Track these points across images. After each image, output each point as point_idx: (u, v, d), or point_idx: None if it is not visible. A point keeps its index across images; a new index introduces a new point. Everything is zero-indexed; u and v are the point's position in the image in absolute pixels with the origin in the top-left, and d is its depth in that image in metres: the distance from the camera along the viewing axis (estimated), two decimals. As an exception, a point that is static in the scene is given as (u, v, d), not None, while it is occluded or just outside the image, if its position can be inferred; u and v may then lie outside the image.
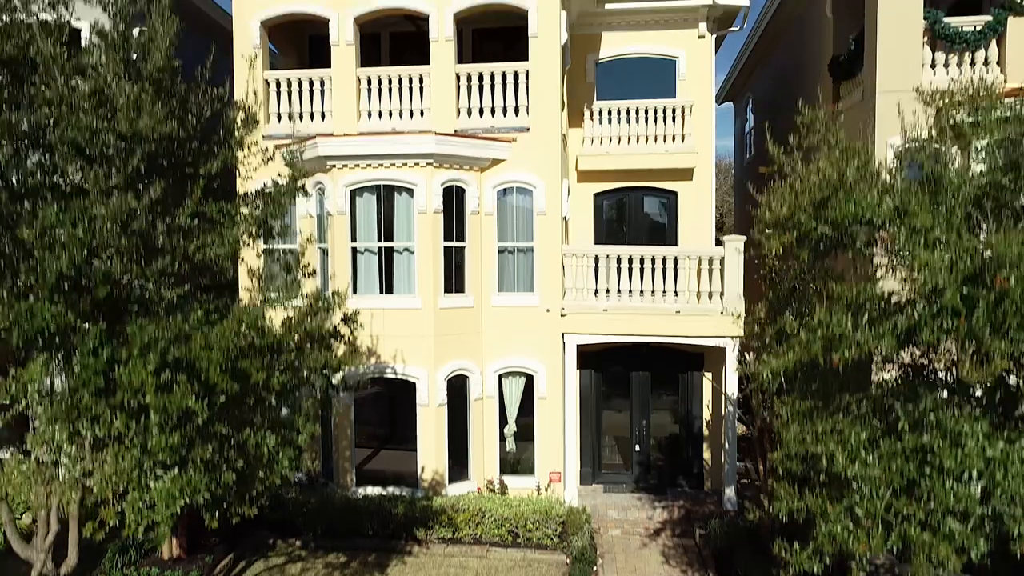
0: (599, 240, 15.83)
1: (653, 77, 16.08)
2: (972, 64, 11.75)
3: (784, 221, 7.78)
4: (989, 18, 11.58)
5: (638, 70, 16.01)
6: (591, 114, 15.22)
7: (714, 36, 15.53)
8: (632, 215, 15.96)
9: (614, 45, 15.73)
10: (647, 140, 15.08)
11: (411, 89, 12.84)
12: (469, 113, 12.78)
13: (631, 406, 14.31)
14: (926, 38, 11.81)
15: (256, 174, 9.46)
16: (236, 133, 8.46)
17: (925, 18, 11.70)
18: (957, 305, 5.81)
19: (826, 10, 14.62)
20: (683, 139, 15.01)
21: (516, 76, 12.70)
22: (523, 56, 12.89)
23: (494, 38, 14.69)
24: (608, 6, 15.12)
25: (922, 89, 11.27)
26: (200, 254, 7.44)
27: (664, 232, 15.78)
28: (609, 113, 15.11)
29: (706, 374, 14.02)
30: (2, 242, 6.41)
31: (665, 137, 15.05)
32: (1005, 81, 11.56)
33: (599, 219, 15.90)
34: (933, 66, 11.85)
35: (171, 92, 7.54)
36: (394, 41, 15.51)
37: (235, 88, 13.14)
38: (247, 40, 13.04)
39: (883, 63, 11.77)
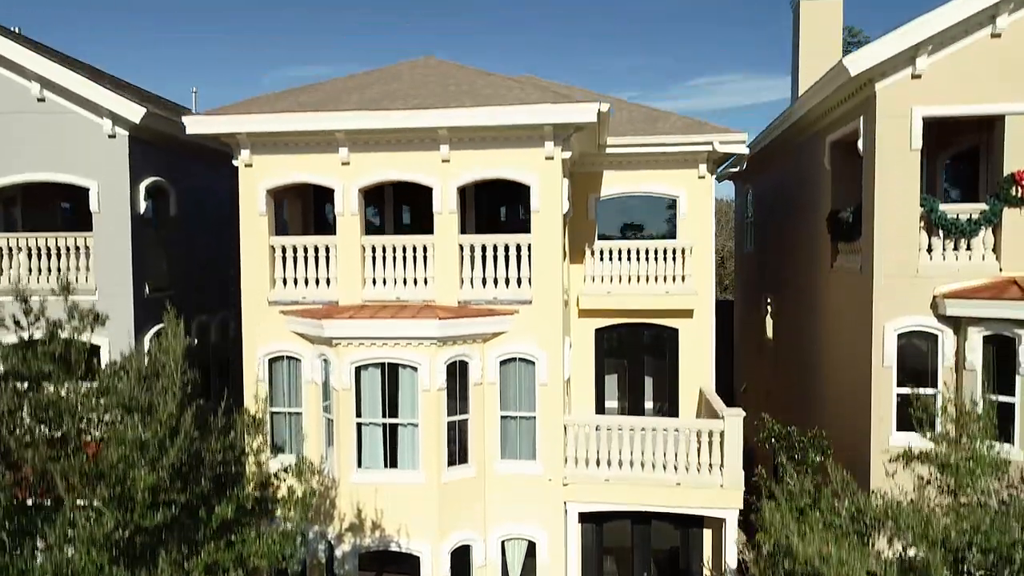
0: (599, 375, 16.04)
1: (654, 214, 16.31)
2: (969, 249, 11.93)
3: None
4: (984, 207, 11.77)
5: (639, 207, 16.22)
6: (592, 252, 15.42)
7: (714, 176, 15.73)
8: (633, 351, 16.16)
9: (615, 184, 15.91)
10: (648, 280, 15.27)
11: (415, 258, 13.03)
12: (472, 283, 12.96)
13: (632, 561, 14.37)
14: (923, 223, 12.00)
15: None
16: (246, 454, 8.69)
17: (922, 205, 11.88)
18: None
19: (824, 161, 14.81)
20: (683, 280, 15.19)
21: (519, 248, 12.88)
22: (526, 207, 13.03)
23: (497, 188, 14.86)
24: (609, 149, 15.31)
25: (920, 272, 11.52)
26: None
27: (664, 368, 15.97)
28: (610, 253, 15.32)
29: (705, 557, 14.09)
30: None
31: (666, 278, 15.23)
32: (1000, 270, 11.74)
33: (600, 354, 16.09)
34: (930, 250, 12.03)
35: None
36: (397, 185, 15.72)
37: (242, 255, 13.38)
38: (253, 207, 13.22)
39: (880, 248, 11.96)
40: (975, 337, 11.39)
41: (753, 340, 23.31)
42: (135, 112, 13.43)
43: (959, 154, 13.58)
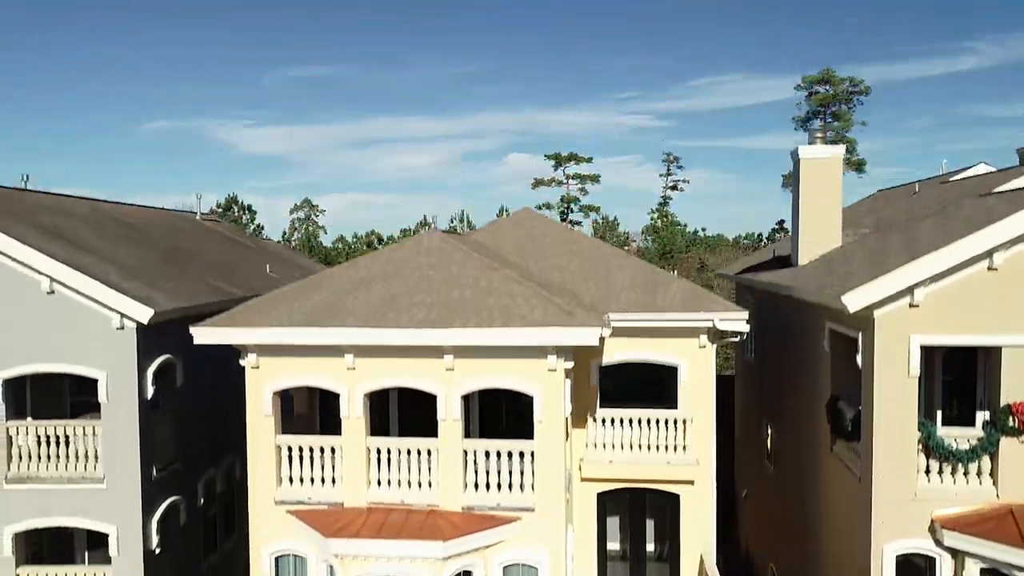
0: (601, 538, 16.21)
1: (655, 381, 16.45)
2: (966, 474, 12.08)
3: None
4: (982, 435, 11.93)
5: (641, 374, 16.37)
6: (595, 419, 15.61)
7: (715, 345, 15.89)
8: (634, 517, 16.34)
9: (616, 350, 16.04)
10: (649, 448, 15.47)
11: (420, 461, 13.21)
12: (476, 487, 13.14)
13: None
14: (921, 446, 12.16)
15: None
16: None
17: (919, 430, 12.04)
18: None
19: (823, 344, 14.97)
20: (684, 449, 15.38)
21: (522, 455, 13.06)
22: (530, 405, 13.20)
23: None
24: (613, 323, 15.47)
25: (918, 496, 11.68)
26: None
27: (666, 531, 16.14)
28: (612, 420, 15.52)
29: None
30: None
31: (667, 447, 15.43)
32: (998, 496, 11.90)
33: (602, 519, 16.26)
34: (928, 472, 12.18)
35: None
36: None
37: (249, 454, 13.58)
38: (260, 408, 13.41)
39: (879, 473, 12.11)
40: (973, 568, 11.55)
41: (754, 453, 23.47)
42: (143, 313, 13.61)
43: (957, 360, 13.69)
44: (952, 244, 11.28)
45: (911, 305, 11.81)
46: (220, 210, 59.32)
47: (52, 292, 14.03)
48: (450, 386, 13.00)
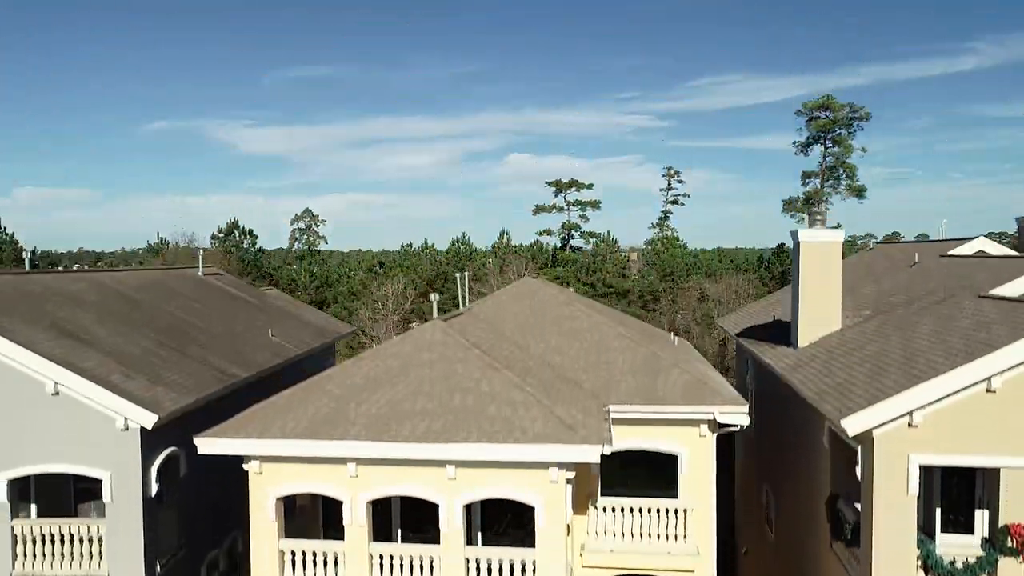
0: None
1: (657, 465, 16.53)
2: (966, 594, 12.15)
3: None
4: (981, 552, 12.01)
5: (642, 459, 16.45)
6: (595, 507, 15.71)
7: (715, 435, 15.97)
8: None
9: (618, 439, 15.99)
10: (650, 537, 15.58)
11: (422, 568, 13.29)
12: (478, 596, 13.23)
13: None
14: (919, 563, 12.25)
15: None
16: None
17: (918, 547, 12.12)
18: None
19: (823, 440, 15.05)
20: (684, 539, 15.48)
21: (523, 564, 13.14)
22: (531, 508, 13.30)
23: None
24: (613, 415, 15.56)
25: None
26: None
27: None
28: (613, 509, 15.62)
29: None
30: None
31: (668, 536, 15.54)
32: (996, 614, 11.98)
33: (603, 605, 16.33)
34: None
35: None
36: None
37: (252, 559, 13.66)
38: (263, 513, 13.49)
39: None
40: None
41: (754, 513, 23.54)
42: (147, 418, 13.70)
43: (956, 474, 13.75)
44: (951, 372, 11.36)
45: (910, 425, 11.89)
46: (222, 235, 59.47)
47: (57, 393, 14.13)
48: (452, 495, 13.08)
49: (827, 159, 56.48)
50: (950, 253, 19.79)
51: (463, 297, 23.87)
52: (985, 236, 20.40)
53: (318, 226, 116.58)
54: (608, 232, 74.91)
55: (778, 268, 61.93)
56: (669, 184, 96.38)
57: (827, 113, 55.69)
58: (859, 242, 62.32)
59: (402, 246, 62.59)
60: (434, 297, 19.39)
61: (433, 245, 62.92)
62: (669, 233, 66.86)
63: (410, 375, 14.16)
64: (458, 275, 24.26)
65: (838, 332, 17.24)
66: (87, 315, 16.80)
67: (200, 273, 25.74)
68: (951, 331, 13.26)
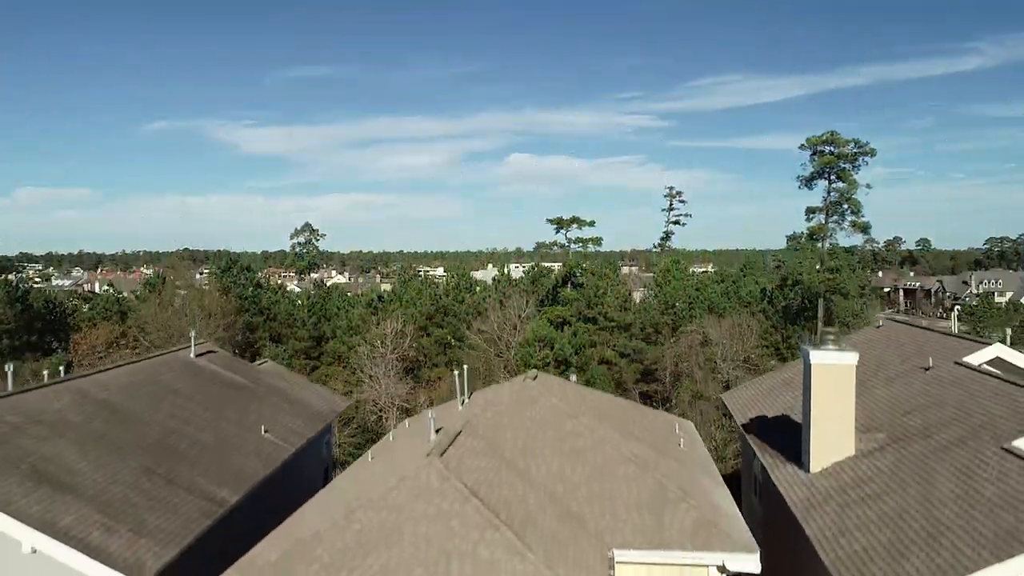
0: None
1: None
2: None
3: None
4: None
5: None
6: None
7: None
8: None
9: (622, 580, 15.51)
10: None
11: None
12: None
13: None
14: None
15: None
16: None
17: None
18: None
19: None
20: None
21: None
22: None
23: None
24: (618, 558, 14.93)
25: None
26: None
27: None
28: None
29: None
30: None
31: None
32: None
33: None
34: None
35: None
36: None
37: None
38: None
39: None
40: None
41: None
42: (130, 587, 13.05)
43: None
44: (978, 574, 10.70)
45: (933, 616, 11.22)
46: (220, 272, 58.88)
47: (35, 551, 13.48)
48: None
49: (831, 194, 55.85)
50: (966, 360, 19.09)
51: (461, 389, 23.30)
52: (1000, 343, 19.69)
53: (318, 240, 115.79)
54: (612, 263, 74.45)
55: (780, 302, 61.36)
56: (671, 204, 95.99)
57: (831, 147, 55.08)
58: (857, 249, 61.16)
59: (401, 282, 61.85)
60: (430, 414, 18.78)
61: (432, 276, 62.33)
62: (670, 262, 66.15)
63: (404, 535, 13.48)
64: (456, 373, 23.70)
65: (852, 460, 16.57)
66: (69, 447, 16.14)
67: (192, 355, 25.11)
68: (974, 500, 12.58)
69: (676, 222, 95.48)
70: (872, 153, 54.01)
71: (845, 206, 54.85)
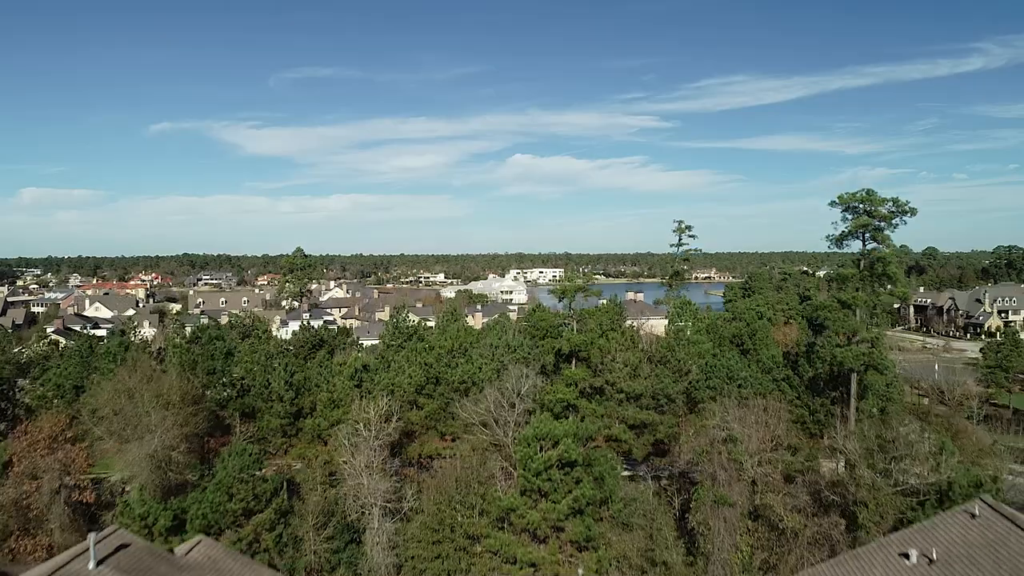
0: None
1: None
2: None
3: None
4: None
5: None
6: None
7: None
8: None
9: None
10: None
11: None
12: None
13: None
14: None
15: None
16: None
17: None
18: None
19: None
20: None
21: None
22: None
23: None
24: None
25: None
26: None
27: None
28: None
29: None
30: None
31: None
32: None
33: None
34: None
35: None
36: None
37: None
38: None
39: None
40: None
41: None
42: None
43: None
44: None
45: None
46: (185, 344, 53.36)
47: None
48: None
49: (864, 258, 50.13)
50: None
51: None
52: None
53: (309, 267, 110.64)
54: (617, 309, 68.79)
55: (807, 371, 55.79)
56: (680, 239, 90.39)
57: (867, 205, 49.31)
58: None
59: (386, 360, 56.05)
60: None
61: (427, 344, 56.87)
62: (684, 330, 60.52)
63: None
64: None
65: None
66: None
67: (92, 564, 19.50)
68: None
69: (686, 259, 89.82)
70: (912, 212, 48.21)
71: (879, 267, 49.04)
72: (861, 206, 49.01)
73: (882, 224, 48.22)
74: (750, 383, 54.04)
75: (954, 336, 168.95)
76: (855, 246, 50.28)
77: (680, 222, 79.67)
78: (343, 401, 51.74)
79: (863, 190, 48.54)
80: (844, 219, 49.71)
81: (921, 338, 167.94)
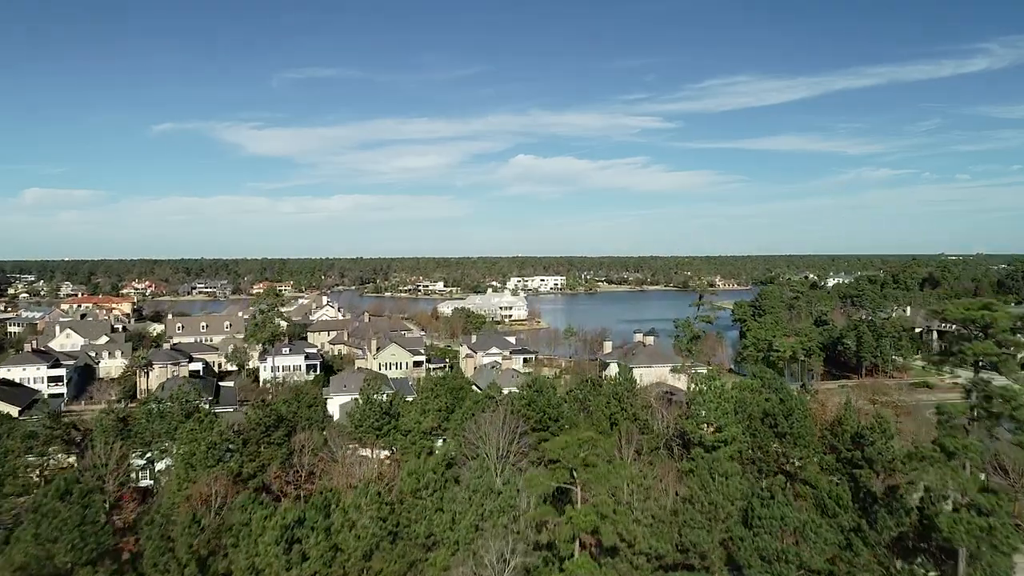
0: None
1: None
2: None
3: None
4: None
5: None
6: None
7: None
8: None
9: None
10: None
11: None
12: None
13: None
14: None
15: None
16: None
17: None
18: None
19: None
20: None
21: None
22: None
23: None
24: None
25: None
26: None
27: None
28: None
29: None
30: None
31: None
32: None
33: None
34: None
35: None
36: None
37: None
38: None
39: None
40: None
41: None
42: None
43: None
44: None
45: None
46: (58, 494, 39.90)
47: None
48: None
49: (980, 385, 36.32)
50: None
51: None
52: None
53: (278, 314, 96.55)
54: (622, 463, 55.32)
55: (886, 524, 42.15)
56: (700, 299, 78.38)
57: (984, 319, 35.49)
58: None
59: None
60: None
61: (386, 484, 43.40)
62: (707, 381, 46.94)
63: None
64: None
65: None
66: None
67: None
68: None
69: (708, 320, 76.56)
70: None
71: (1001, 408, 35.50)
72: (976, 320, 35.40)
73: (1010, 351, 34.64)
74: (810, 539, 40.34)
75: (985, 367, 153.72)
76: (964, 373, 36.74)
77: (702, 294, 66.70)
78: (267, 574, 38.46)
79: (980, 300, 34.94)
80: (956, 336, 36.16)
81: (948, 370, 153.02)
